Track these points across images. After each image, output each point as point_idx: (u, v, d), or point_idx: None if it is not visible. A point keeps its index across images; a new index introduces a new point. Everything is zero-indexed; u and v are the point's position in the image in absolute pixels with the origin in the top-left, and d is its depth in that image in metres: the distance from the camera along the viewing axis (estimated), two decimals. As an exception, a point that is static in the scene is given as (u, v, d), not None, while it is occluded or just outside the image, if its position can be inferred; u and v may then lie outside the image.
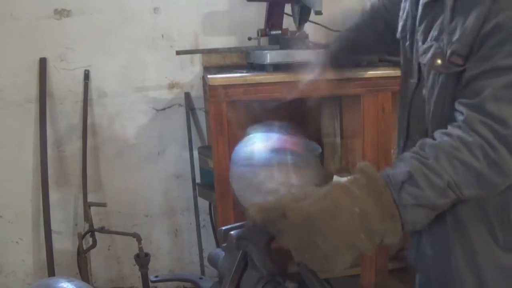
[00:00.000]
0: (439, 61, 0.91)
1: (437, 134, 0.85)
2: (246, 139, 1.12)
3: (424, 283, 1.15)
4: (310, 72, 1.43)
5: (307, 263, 0.78)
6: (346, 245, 0.76)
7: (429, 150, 0.82)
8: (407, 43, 1.06)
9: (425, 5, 0.97)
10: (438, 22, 0.93)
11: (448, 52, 0.88)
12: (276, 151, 1.07)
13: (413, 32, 1.03)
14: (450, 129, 0.84)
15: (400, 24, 1.10)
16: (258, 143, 1.10)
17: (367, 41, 1.35)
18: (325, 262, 0.76)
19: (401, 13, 1.11)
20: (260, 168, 1.01)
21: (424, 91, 0.98)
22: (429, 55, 0.93)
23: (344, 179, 0.82)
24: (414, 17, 1.02)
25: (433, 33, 0.94)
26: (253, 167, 1.01)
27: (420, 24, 0.99)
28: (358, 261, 2.03)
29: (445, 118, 0.90)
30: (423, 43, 0.97)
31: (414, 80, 1.03)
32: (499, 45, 0.81)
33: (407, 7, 1.06)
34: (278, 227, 0.78)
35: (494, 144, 0.78)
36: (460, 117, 0.84)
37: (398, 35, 1.11)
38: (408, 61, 1.06)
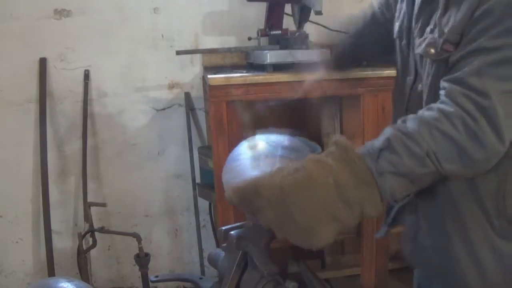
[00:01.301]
0: (432, 51, 0.93)
1: (420, 110, 0.86)
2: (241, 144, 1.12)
3: (424, 277, 1.15)
4: (314, 73, 1.43)
5: (289, 239, 0.78)
6: (325, 215, 0.76)
7: (410, 123, 0.83)
8: (404, 41, 1.07)
9: (422, 3, 0.99)
10: (434, 17, 0.95)
11: (441, 41, 0.90)
12: (269, 145, 1.07)
13: (409, 31, 1.04)
14: (432, 104, 0.85)
15: (397, 24, 1.12)
16: (253, 143, 1.10)
17: (369, 47, 1.36)
18: (306, 235, 0.77)
19: (397, 14, 1.13)
20: (248, 160, 1.01)
21: (420, 86, 1.00)
22: (423, 45, 0.95)
23: (318, 153, 0.83)
24: (410, 16, 1.04)
25: (429, 28, 0.96)
26: (242, 160, 1.01)
27: (416, 22, 1.01)
28: (358, 261, 2.04)
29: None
30: (419, 38, 0.99)
31: (411, 77, 1.05)
32: (486, 29, 0.82)
33: (404, 8, 1.08)
34: (255, 205, 0.78)
35: (474, 116, 0.79)
36: (442, 92, 0.85)
37: (395, 35, 1.13)
38: (405, 60, 1.08)
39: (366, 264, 1.92)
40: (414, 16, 1.02)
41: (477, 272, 0.95)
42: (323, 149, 2.02)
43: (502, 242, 0.93)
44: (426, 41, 0.95)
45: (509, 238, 0.93)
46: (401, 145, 0.79)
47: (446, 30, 0.89)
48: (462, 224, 0.95)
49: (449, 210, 0.97)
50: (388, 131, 0.83)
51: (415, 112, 0.88)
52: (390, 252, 1.97)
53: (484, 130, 0.78)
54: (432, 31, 0.94)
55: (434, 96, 0.93)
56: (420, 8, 1.00)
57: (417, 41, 0.99)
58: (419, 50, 0.97)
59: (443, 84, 0.86)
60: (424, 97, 0.97)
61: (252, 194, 0.78)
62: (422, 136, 0.79)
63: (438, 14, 0.93)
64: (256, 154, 1.02)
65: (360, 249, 1.96)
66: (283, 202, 0.76)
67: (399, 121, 0.85)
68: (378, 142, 0.82)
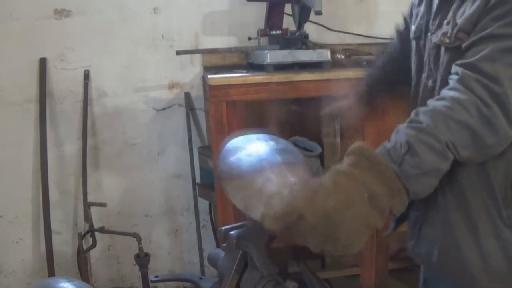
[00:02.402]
0: (446, 40, 0.95)
1: (430, 101, 0.87)
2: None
3: (429, 273, 1.15)
4: (343, 107, 1.41)
5: (327, 253, 0.80)
6: (364, 228, 0.78)
7: (423, 116, 0.83)
8: (421, 41, 1.09)
9: (440, 1, 1.02)
10: (451, 12, 0.97)
11: (455, 30, 0.92)
12: (265, 145, 1.05)
13: (427, 31, 1.06)
14: (444, 92, 0.86)
15: (413, 27, 1.13)
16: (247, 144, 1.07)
17: (396, 78, 1.33)
18: (346, 248, 0.78)
19: (413, 19, 1.16)
20: (248, 158, 0.99)
21: (431, 81, 1.01)
22: (439, 35, 0.98)
23: (343, 165, 0.82)
24: (429, 16, 1.06)
25: (446, 21, 0.98)
26: (242, 158, 0.99)
27: (434, 19, 1.03)
28: (358, 261, 2.04)
29: None
30: (436, 31, 1.01)
31: (425, 74, 1.06)
32: (499, 17, 0.84)
33: (421, 10, 1.10)
34: (298, 229, 0.78)
35: (487, 101, 0.80)
36: (455, 77, 0.86)
37: (411, 36, 1.14)
38: (421, 59, 1.09)
39: (366, 264, 1.92)
40: (432, 15, 1.04)
41: (481, 261, 0.95)
42: (323, 149, 2.03)
43: (508, 232, 0.94)
44: (442, 30, 0.97)
45: None
46: (421, 145, 0.81)
47: (461, 19, 0.91)
48: (468, 214, 0.96)
49: (456, 200, 0.97)
50: (403, 131, 0.84)
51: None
52: (390, 252, 1.97)
53: (497, 115, 0.80)
54: (448, 24, 0.96)
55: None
56: (438, 5, 1.02)
57: (433, 35, 1.01)
58: (435, 39, 0.99)
59: (455, 68, 0.87)
60: (437, 88, 0.98)
61: (295, 220, 0.77)
62: (438, 129, 0.80)
63: (454, 7, 0.95)
64: (253, 153, 1.00)
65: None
66: (328, 225, 0.77)
67: (412, 114, 0.86)
68: (400, 146, 0.82)
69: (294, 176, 0.93)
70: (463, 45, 0.90)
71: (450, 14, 0.97)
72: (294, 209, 0.77)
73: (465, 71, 0.84)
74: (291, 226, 0.77)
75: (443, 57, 0.97)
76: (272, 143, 1.06)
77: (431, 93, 1.01)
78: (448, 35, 0.94)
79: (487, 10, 0.86)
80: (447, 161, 0.82)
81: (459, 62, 0.87)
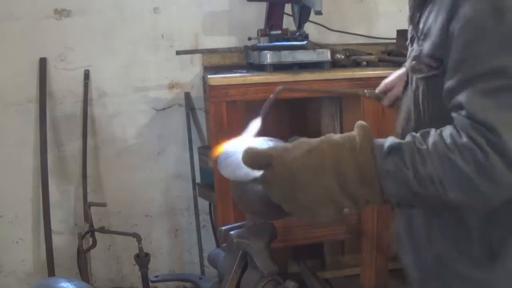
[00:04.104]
0: (415, 65, 0.93)
1: (433, 131, 0.83)
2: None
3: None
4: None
5: (291, 213, 0.81)
6: (326, 200, 0.78)
7: (430, 139, 0.80)
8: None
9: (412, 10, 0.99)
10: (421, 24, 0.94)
11: (423, 54, 0.89)
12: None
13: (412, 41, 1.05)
14: (450, 128, 0.82)
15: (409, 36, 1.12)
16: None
17: None
18: (307, 213, 0.79)
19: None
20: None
21: (409, 94, 0.99)
22: (409, 59, 0.95)
23: (336, 136, 0.82)
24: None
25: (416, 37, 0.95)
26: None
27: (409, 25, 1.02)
28: (358, 261, 2.04)
29: (431, 120, 0.91)
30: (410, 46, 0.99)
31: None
32: (469, 47, 0.79)
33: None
34: (265, 175, 0.80)
35: (485, 149, 0.75)
36: (454, 116, 0.82)
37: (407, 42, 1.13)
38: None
39: (366, 264, 1.92)
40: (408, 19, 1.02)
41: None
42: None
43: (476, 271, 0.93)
44: (412, 53, 0.94)
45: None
46: (409, 156, 0.78)
47: (426, 40, 0.88)
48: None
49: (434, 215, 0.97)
50: (408, 137, 0.81)
51: (406, 121, 0.86)
52: (390, 252, 1.97)
53: (495, 165, 0.74)
54: (417, 43, 0.93)
55: (424, 113, 0.93)
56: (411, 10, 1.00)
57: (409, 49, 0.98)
58: (407, 64, 0.97)
59: (452, 113, 0.82)
60: (413, 109, 0.96)
61: (264, 163, 0.80)
62: (431, 159, 0.77)
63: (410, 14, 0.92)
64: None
65: (360, 249, 1.96)
66: (289, 180, 0.78)
67: (423, 131, 0.82)
68: (393, 141, 0.81)
69: None
70: (445, 86, 0.84)
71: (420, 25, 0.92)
72: (268, 154, 0.80)
73: (461, 117, 0.79)
74: (260, 166, 0.81)
75: (416, 83, 0.93)
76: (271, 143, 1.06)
77: (408, 106, 0.99)
78: (417, 59, 0.91)
79: (452, 35, 0.81)
80: (422, 188, 0.78)
81: (452, 105, 0.82)
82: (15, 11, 2.11)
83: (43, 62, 2.16)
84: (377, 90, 1.28)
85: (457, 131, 0.79)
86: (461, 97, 0.80)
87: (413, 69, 0.94)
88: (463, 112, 0.79)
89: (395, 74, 1.24)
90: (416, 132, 0.82)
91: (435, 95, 0.89)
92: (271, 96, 1.10)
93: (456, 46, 0.81)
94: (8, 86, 2.17)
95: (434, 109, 0.92)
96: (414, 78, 0.95)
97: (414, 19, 0.98)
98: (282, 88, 1.13)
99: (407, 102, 1.01)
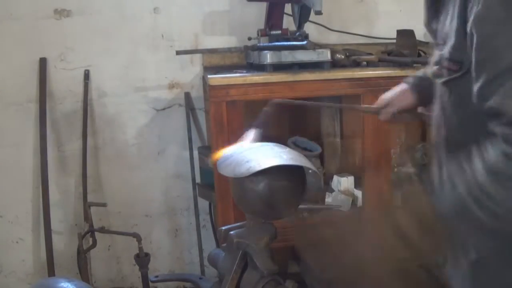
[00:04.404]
0: (437, 70, 0.92)
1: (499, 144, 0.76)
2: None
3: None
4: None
5: None
6: None
7: (492, 158, 0.75)
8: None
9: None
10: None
11: (443, 58, 0.88)
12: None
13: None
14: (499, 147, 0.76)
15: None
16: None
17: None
18: None
19: None
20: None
21: (436, 101, 0.98)
22: (432, 65, 0.95)
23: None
24: None
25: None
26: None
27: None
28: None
29: (460, 125, 0.90)
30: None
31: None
32: (488, 43, 0.77)
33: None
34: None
35: None
36: (498, 132, 0.76)
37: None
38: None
39: (366, 264, 1.92)
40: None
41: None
42: (323, 149, 2.03)
43: None
44: (434, 59, 0.93)
45: None
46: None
47: (447, 44, 0.86)
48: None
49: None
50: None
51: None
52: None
53: None
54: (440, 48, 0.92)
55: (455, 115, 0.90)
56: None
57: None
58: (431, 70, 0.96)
59: (494, 129, 0.77)
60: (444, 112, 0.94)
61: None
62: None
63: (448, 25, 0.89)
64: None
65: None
66: None
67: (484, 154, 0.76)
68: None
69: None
70: (475, 89, 0.81)
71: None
72: None
73: (501, 127, 0.75)
74: None
75: (441, 87, 0.92)
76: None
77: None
78: (439, 64, 0.89)
79: (470, 33, 0.79)
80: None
81: (486, 106, 0.78)
82: (15, 11, 2.11)
83: (43, 62, 2.16)
84: (375, 105, 1.26)
85: (504, 146, 0.73)
86: (495, 102, 0.76)
87: (435, 75, 0.94)
88: (504, 120, 0.74)
89: (394, 90, 1.22)
90: (448, 139, 0.81)
91: (459, 98, 0.88)
92: (265, 109, 1.09)
93: (476, 46, 0.79)
94: (8, 86, 2.17)
95: (460, 113, 0.89)
96: (438, 84, 0.94)
97: (430, 26, 0.97)
98: (275, 101, 1.12)
99: (436, 109, 0.99)
